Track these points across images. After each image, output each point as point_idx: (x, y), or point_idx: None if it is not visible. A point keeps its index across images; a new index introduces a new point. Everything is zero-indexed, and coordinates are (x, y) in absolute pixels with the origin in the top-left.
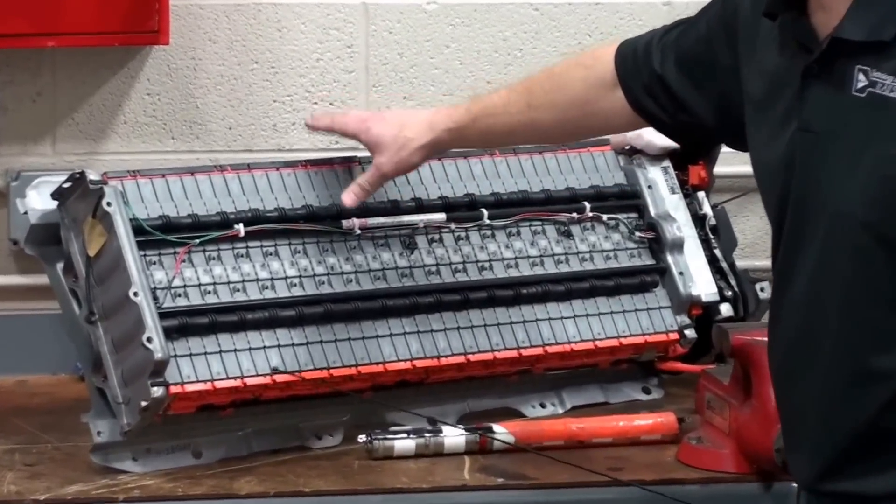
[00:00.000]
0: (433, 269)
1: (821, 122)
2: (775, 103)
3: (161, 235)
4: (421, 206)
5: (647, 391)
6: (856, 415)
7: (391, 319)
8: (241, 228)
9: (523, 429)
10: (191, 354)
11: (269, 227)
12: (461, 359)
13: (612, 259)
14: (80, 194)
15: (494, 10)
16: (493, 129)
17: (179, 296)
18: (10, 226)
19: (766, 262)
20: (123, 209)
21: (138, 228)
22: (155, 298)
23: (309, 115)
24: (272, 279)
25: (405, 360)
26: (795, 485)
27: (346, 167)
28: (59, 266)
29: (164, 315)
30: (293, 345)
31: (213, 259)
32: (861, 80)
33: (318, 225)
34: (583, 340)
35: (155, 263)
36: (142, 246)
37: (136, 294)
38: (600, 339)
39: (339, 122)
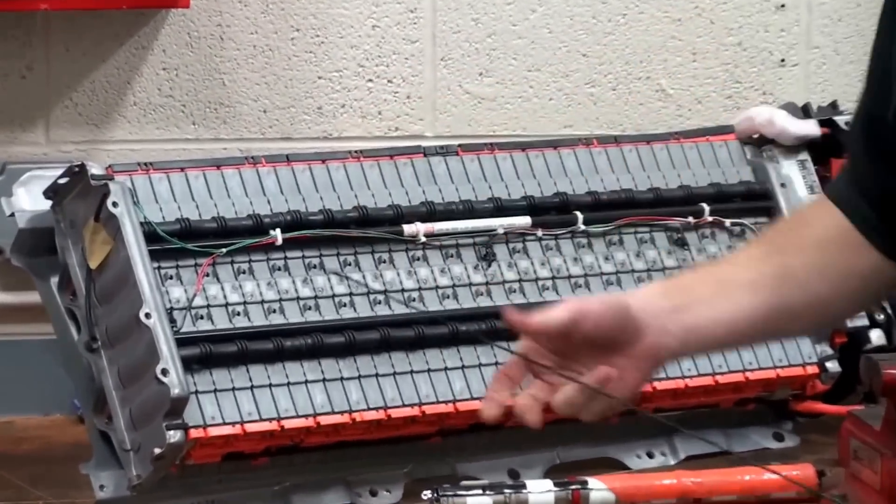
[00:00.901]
0: (515, 286)
1: None
2: None
3: (179, 244)
4: (500, 208)
5: (779, 438)
6: None
7: (463, 348)
8: (278, 235)
9: (626, 484)
10: (216, 390)
11: (313, 233)
12: None
13: None
14: (79, 192)
15: None
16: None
17: (202, 318)
18: None
19: None
20: (133, 211)
21: (151, 235)
22: (171, 321)
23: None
24: (316, 297)
25: (480, 399)
26: None
27: (407, 159)
28: (54, 281)
29: (182, 342)
30: (342, 378)
31: (244, 273)
32: None
33: (374, 231)
34: (700, 375)
35: (172, 278)
36: (156, 256)
37: (148, 315)
38: (721, 374)
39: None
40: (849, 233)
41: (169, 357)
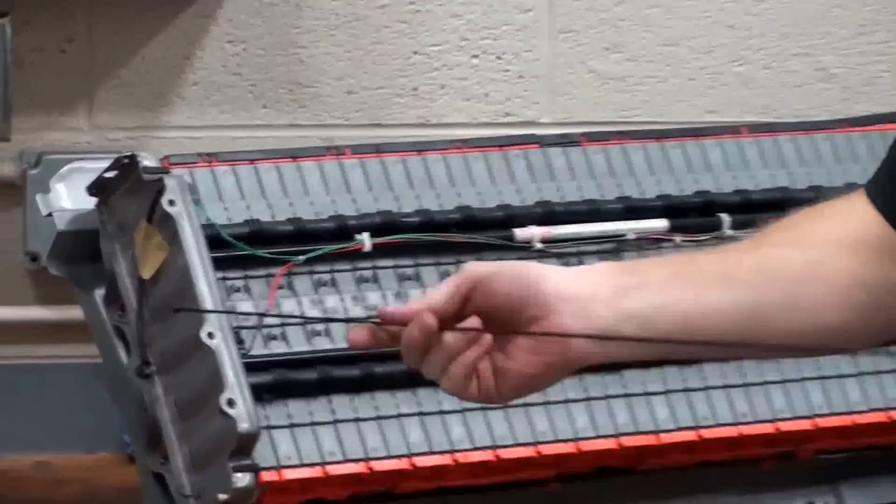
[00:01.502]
0: None
1: None
2: None
3: (249, 250)
4: (631, 209)
5: None
6: None
7: (586, 377)
8: (366, 240)
9: None
10: (292, 425)
11: (408, 238)
12: (690, 435)
13: None
14: (129, 188)
15: None
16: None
17: (275, 338)
18: (27, 233)
19: None
20: (193, 211)
21: (215, 239)
22: (239, 342)
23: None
24: None
25: (607, 437)
26: None
27: (520, 150)
28: (98, 293)
29: (252, 367)
30: (441, 412)
31: (325, 285)
32: None
33: (480, 236)
34: (871, 410)
35: (239, 290)
36: (220, 265)
37: (211, 336)
38: None
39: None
40: (882, 237)
41: (236, 385)
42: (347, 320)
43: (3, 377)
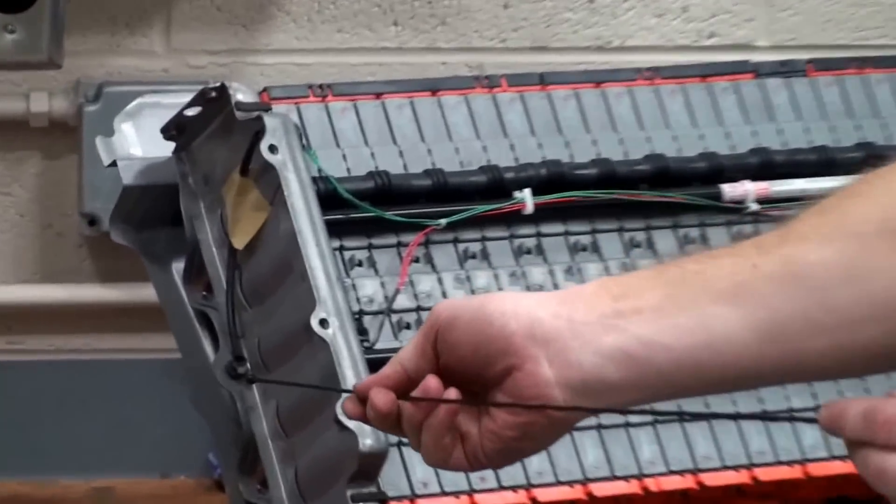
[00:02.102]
0: None
1: None
2: None
3: (375, 211)
4: (873, 158)
5: None
6: None
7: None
8: (527, 198)
9: None
10: None
11: (582, 196)
12: None
13: None
14: (217, 130)
15: None
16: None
17: (408, 327)
18: (84, 189)
19: None
20: (301, 160)
21: (330, 197)
22: (361, 332)
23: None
24: None
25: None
26: None
27: (728, 81)
28: (177, 268)
29: (378, 364)
30: (627, 425)
31: (474, 257)
32: None
33: (677, 193)
34: None
35: (362, 264)
36: (337, 230)
37: (324, 323)
38: None
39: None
40: None
41: (352, 376)
42: (342, 391)
43: (51, 377)
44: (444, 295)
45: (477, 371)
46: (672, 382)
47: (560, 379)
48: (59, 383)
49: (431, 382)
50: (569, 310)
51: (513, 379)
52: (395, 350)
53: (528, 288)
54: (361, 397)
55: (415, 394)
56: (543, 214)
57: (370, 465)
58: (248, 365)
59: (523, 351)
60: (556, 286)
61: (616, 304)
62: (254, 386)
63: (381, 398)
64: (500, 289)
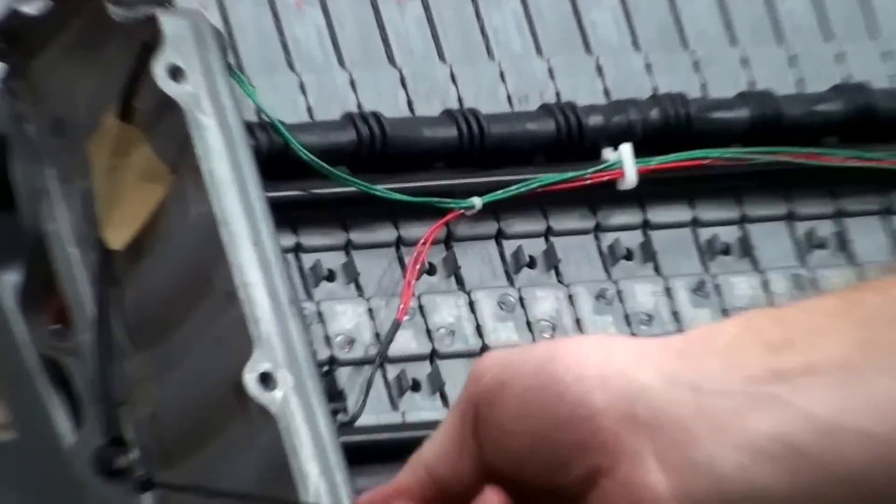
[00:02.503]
0: None
1: None
2: None
3: (360, 184)
4: None
5: None
6: None
7: None
8: (624, 160)
9: None
10: None
11: (724, 157)
12: None
13: None
14: (78, 38)
15: None
16: None
17: (415, 388)
18: None
19: None
20: (228, 92)
21: (279, 158)
22: (333, 398)
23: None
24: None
25: None
26: None
27: None
28: (6, 284)
29: (362, 453)
30: None
31: (532, 265)
32: None
33: (890, 154)
34: None
35: (332, 277)
36: (290, 219)
37: (266, 380)
38: None
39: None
40: None
41: (323, 488)
42: None
43: None
44: (480, 333)
45: (542, 476)
46: (866, 493)
47: (679, 490)
48: None
49: (494, 498)
50: (693, 369)
51: (601, 491)
52: (390, 428)
53: (628, 322)
54: None
55: None
56: (654, 189)
57: None
58: (134, 454)
59: (617, 444)
60: (676, 319)
61: (774, 360)
62: (146, 494)
63: None
64: (578, 326)
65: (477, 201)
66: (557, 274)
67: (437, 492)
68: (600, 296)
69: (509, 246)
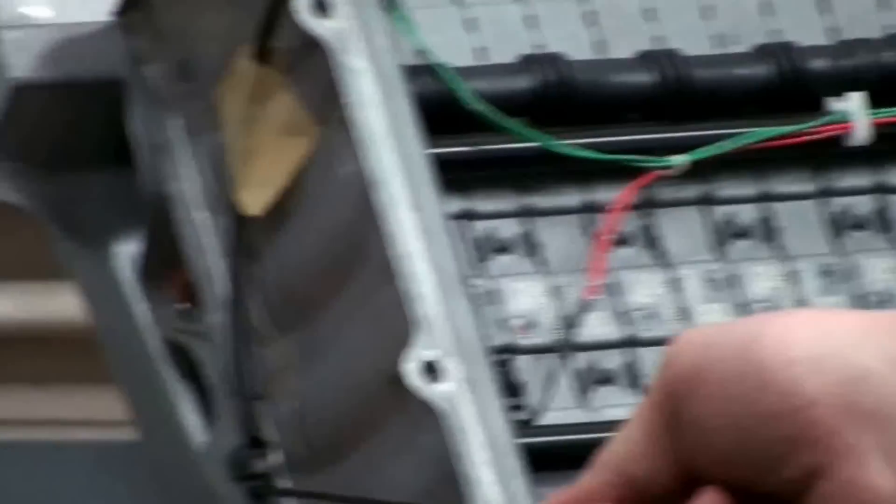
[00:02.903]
0: None
1: None
2: None
3: (541, 138)
4: None
5: None
6: None
7: None
8: (853, 111)
9: None
10: None
11: None
12: None
13: None
14: None
15: None
16: None
17: (607, 381)
18: None
19: None
20: (384, 29)
21: (445, 109)
22: (510, 391)
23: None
24: None
25: None
26: None
27: None
28: (123, 255)
29: (550, 457)
30: None
31: (745, 235)
32: None
33: None
34: None
35: (507, 250)
36: (458, 181)
37: (431, 370)
38: None
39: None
40: None
41: (497, 499)
42: None
43: None
44: (688, 315)
45: (750, 477)
46: None
47: None
48: None
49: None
50: None
51: (818, 495)
52: (577, 428)
53: (861, 304)
54: None
55: None
56: (891, 146)
57: None
58: (277, 457)
59: (835, 439)
60: None
61: None
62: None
63: None
64: (799, 301)
65: (679, 159)
66: (776, 246)
67: (631, 495)
68: (827, 272)
69: (717, 213)
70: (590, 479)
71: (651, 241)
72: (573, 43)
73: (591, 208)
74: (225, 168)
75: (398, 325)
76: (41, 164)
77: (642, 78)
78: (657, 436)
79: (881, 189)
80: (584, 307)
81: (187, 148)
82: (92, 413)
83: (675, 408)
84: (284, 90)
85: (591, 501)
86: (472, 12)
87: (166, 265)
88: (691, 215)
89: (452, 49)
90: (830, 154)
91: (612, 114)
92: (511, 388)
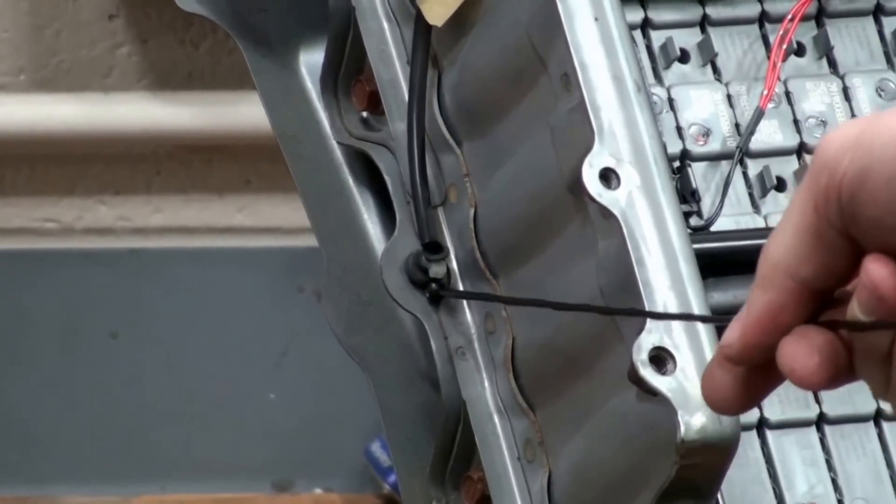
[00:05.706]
0: None
1: None
2: None
3: None
4: None
5: None
6: None
7: None
8: None
9: None
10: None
11: None
12: None
13: None
14: None
15: None
16: None
17: (779, 188)
18: None
19: None
20: None
21: None
22: (685, 195)
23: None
24: None
25: None
26: None
27: None
28: (306, 65)
29: (721, 260)
30: None
31: None
32: None
33: None
34: None
35: (688, 59)
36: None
37: (607, 177)
38: None
39: None
40: None
41: (672, 303)
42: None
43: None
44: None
45: None
46: None
47: None
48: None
49: (878, 273)
50: None
51: None
52: (751, 233)
53: None
54: (740, 355)
55: (855, 313)
56: None
57: (702, 467)
58: (454, 263)
59: None
60: None
61: None
62: (464, 304)
63: (811, 342)
64: None
65: None
66: None
67: (807, 296)
68: None
69: (889, 23)
70: (763, 294)
71: (825, 50)
72: None
73: (767, 18)
74: None
75: (578, 133)
76: None
77: None
78: (823, 237)
79: None
80: (759, 115)
81: None
82: (276, 221)
83: (843, 211)
84: None
85: (782, 317)
86: None
87: (349, 75)
88: (864, 26)
89: None
90: None
91: None
92: (686, 195)
